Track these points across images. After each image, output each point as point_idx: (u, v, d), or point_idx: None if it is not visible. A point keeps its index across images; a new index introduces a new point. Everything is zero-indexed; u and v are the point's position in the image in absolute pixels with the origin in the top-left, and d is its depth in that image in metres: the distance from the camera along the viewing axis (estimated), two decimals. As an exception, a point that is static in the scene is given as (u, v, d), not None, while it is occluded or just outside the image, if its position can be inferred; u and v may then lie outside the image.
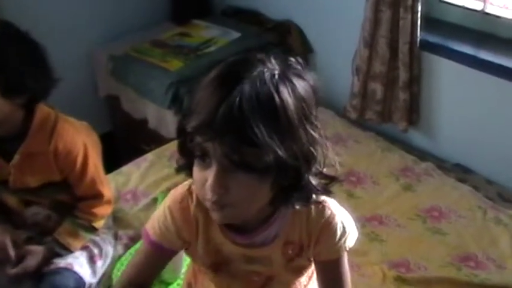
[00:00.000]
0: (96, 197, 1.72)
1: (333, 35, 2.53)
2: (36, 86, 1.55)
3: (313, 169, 1.04)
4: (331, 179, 1.09)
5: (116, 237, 1.88)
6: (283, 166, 0.96)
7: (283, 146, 0.94)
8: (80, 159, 1.65)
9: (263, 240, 1.18)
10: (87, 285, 1.68)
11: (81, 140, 1.66)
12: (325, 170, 1.07)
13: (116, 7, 2.87)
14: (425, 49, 2.21)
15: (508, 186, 2.16)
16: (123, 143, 2.92)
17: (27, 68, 1.53)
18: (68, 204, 1.73)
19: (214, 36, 2.70)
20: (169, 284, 1.75)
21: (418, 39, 2.17)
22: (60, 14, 2.67)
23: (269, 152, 0.93)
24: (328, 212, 1.16)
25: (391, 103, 2.33)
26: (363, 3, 2.21)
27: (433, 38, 2.21)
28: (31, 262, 1.65)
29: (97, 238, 1.78)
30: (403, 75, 2.22)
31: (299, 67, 1.03)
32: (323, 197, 1.15)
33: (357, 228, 1.22)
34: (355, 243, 1.21)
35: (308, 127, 0.99)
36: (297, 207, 1.09)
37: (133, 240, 1.90)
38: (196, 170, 1.02)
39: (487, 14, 2.19)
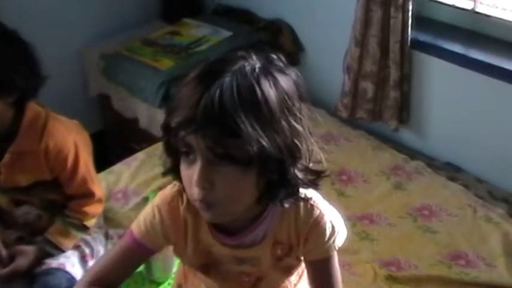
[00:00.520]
0: (87, 196, 1.72)
1: (324, 34, 2.54)
2: (25, 84, 1.55)
3: (299, 164, 1.04)
4: (318, 174, 1.09)
5: (107, 236, 1.87)
6: (266, 157, 0.96)
7: (266, 137, 0.95)
8: (70, 158, 1.64)
9: (252, 241, 1.18)
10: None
11: (71, 139, 1.65)
12: (311, 165, 1.07)
13: (106, 6, 2.86)
14: (415, 48, 2.22)
15: (498, 184, 2.17)
16: (114, 142, 2.91)
17: (17, 66, 1.52)
18: (59, 204, 1.72)
19: (205, 35, 2.70)
20: (160, 283, 1.74)
21: (409, 38, 2.17)
22: (50, 13, 2.65)
23: (252, 143, 0.93)
24: (317, 212, 1.16)
25: (382, 102, 2.34)
26: (354, 2, 2.21)
27: (423, 37, 2.22)
28: (22, 262, 1.64)
29: (88, 238, 1.77)
30: (393, 74, 2.23)
31: (281, 63, 1.03)
32: (312, 197, 1.16)
33: (348, 227, 1.22)
34: (346, 242, 1.21)
35: (291, 119, 1.00)
36: (286, 205, 1.09)
37: (124, 239, 1.89)
38: (183, 168, 1.02)
39: (477, 13, 2.20)
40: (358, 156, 2.26)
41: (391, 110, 2.30)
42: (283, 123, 0.98)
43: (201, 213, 1.07)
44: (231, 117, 0.92)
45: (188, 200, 1.12)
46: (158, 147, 2.28)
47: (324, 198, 1.18)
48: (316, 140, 1.07)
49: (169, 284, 1.73)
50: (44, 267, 1.65)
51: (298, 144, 1.02)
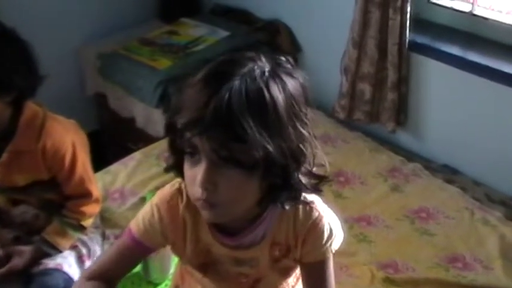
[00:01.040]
0: (85, 195, 1.71)
1: (322, 34, 2.53)
2: (24, 84, 1.54)
3: (303, 168, 1.05)
4: (321, 179, 1.09)
5: (104, 236, 1.86)
6: (271, 162, 0.96)
7: (272, 142, 0.95)
8: (68, 158, 1.63)
9: (251, 242, 1.18)
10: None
11: (69, 139, 1.65)
12: (314, 169, 1.07)
13: (104, 5, 2.85)
14: (413, 50, 2.22)
15: (495, 187, 2.17)
16: (110, 141, 2.90)
17: (15, 66, 1.52)
18: (56, 203, 1.71)
19: (203, 34, 2.69)
20: (157, 284, 1.74)
21: (407, 40, 2.17)
22: (47, 12, 2.64)
23: (258, 148, 0.93)
24: (315, 214, 1.16)
25: (379, 103, 2.34)
26: (352, 3, 2.21)
27: (421, 39, 2.22)
28: (17, 262, 1.64)
29: (85, 238, 1.76)
30: (391, 75, 2.23)
31: (289, 65, 1.03)
32: (311, 199, 1.16)
33: (345, 229, 1.22)
34: (343, 244, 1.22)
35: (298, 124, 1.00)
36: (287, 207, 1.09)
37: (121, 239, 1.88)
38: (186, 167, 1.03)
39: (475, 15, 2.20)
40: (355, 158, 2.26)
41: (389, 111, 2.31)
42: (290, 129, 0.98)
43: (201, 213, 1.07)
44: (238, 122, 0.91)
45: (188, 199, 1.13)
46: (155, 147, 2.31)
47: (321, 199, 1.18)
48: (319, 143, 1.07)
49: (166, 285, 1.72)
50: (41, 267, 1.64)
51: (303, 149, 1.02)
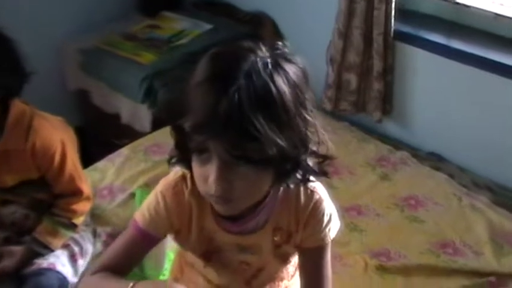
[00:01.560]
0: (75, 193, 1.70)
1: (306, 26, 2.53)
2: (10, 82, 1.52)
3: (310, 152, 1.06)
4: (325, 158, 1.10)
5: (95, 234, 1.85)
6: (284, 155, 0.97)
7: (283, 137, 0.96)
8: (57, 156, 1.62)
9: (254, 227, 1.19)
10: (70, 285, 1.65)
11: (58, 137, 1.63)
12: (318, 148, 1.08)
13: (83, 0, 2.81)
14: (398, 39, 2.23)
15: (481, 173, 2.20)
16: (94, 137, 2.86)
17: (1, 64, 1.49)
18: (46, 203, 1.70)
19: (186, 28, 2.67)
20: (151, 280, 1.73)
21: (392, 30, 2.18)
22: (26, 9, 2.59)
23: (270, 145, 0.94)
24: (316, 196, 1.19)
25: (365, 93, 2.35)
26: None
27: (406, 29, 2.24)
28: (8, 263, 1.62)
29: (76, 236, 1.75)
30: (377, 65, 2.24)
31: (286, 50, 1.03)
32: (313, 184, 1.18)
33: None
34: (337, 234, 1.24)
35: (303, 112, 1.01)
36: (291, 186, 1.11)
37: (112, 237, 1.86)
38: (196, 165, 1.03)
39: (458, 3, 2.22)
40: (343, 148, 2.27)
41: (375, 101, 2.32)
42: (298, 119, 0.99)
43: (215, 207, 1.09)
44: (250, 121, 0.91)
45: (192, 185, 1.13)
46: (142, 143, 2.30)
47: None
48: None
49: (163, 275, 1.71)
50: (34, 267, 1.62)
51: (310, 135, 1.03)
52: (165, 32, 2.65)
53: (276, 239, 1.22)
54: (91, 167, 2.15)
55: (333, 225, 1.23)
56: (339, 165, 2.19)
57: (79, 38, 2.74)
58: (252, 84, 0.93)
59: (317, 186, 1.19)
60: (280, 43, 1.04)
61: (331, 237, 1.24)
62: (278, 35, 2.63)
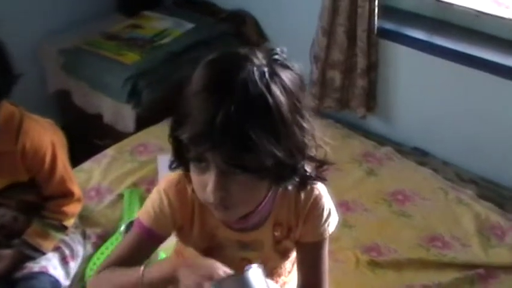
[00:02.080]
0: (66, 195, 1.68)
1: (289, 23, 2.54)
2: (-1, 83, 1.49)
3: (307, 158, 1.07)
4: (323, 163, 1.12)
5: (85, 236, 1.83)
6: (281, 164, 0.99)
7: (281, 147, 0.96)
8: (48, 158, 1.60)
9: (256, 223, 1.20)
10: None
11: (48, 138, 1.61)
12: (315, 154, 1.09)
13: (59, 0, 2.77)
14: (382, 36, 2.26)
15: (464, 167, 2.24)
16: (75, 138, 2.81)
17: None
18: (35, 205, 1.67)
19: (168, 27, 2.65)
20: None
21: (376, 27, 2.21)
22: (3, 9, 2.55)
23: (268, 155, 0.95)
24: (316, 192, 1.21)
25: (349, 90, 2.37)
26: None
27: (389, 26, 2.26)
28: None
29: (67, 238, 1.73)
30: (361, 62, 2.26)
31: (283, 55, 1.03)
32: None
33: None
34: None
35: (300, 121, 1.02)
36: (289, 188, 1.12)
37: (103, 238, 1.85)
38: (194, 174, 1.04)
39: (440, 1, 2.25)
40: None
41: (359, 98, 2.34)
42: (295, 127, 1.00)
43: (214, 213, 1.09)
44: (246, 134, 0.92)
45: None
46: (127, 143, 2.28)
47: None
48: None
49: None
50: (25, 271, 1.60)
51: (307, 142, 1.04)
52: (147, 32, 2.63)
53: (276, 234, 1.23)
54: (77, 168, 2.12)
55: (332, 220, 1.26)
56: (325, 162, 2.20)
57: (57, 38, 2.70)
58: (249, 95, 0.94)
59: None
60: (277, 48, 1.04)
61: (330, 232, 1.26)
62: (260, 33, 2.63)
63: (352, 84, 2.34)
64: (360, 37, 2.21)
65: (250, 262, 1.27)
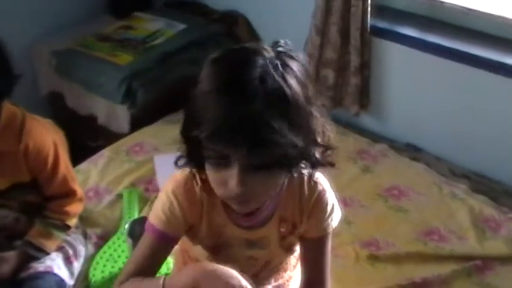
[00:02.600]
0: (69, 194, 1.69)
1: (281, 23, 2.56)
2: (0, 84, 1.49)
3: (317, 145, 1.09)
4: (328, 148, 1.12)
5: (85, 236, 1.83)
6: (299, 154, 1.01)
7: (300, 136, 0.98)
8: (50, 158, 1.61)
9: (262, 220, 1.22)
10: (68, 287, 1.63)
11: (50, 138, 1.62)
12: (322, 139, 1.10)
13: (51, 2, 2.76)
14: (375, 34, 2.28)
15: (457, 162, 2.28)
16: (68, 140, 2.82)
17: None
18: (37, 206, 1.67)
19: (160, 28, 2.66)
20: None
21: (369, 25, 2.24)
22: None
23: (290, 146, 0.97)
24: (320, 187, 1.23)
25: (343, 88, 2.39)
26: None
27: (382, 24, 2.29)
28: (4, 269, 1.60)
29: (69, 238, 1.73)
30: (354, 60, 2.29)
31: (287, 47, 1.05)
32: (316, 175, 1.21)
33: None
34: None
35: (312, 109, 1.04)
36: (295, 174, 1.13)
37: (103, 238, 1.86)
38: (211, 171, 1.04)
39: (432, -1, 2.30)
40: (323, 142, 2.30)
41: (352, 95, 2.37)
42: (309, 116, 1.02)
43: (233, 206, 1.10)
44: (270, 127, 0.93)
45: (203, 181, 1.14)
46: (123, 144, 2.28)
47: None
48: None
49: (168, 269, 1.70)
50: (31, 271, 1.60)
51: (317, 129, 1.06)
52: (139, 33, 2.63)
53: (282, 230, 1.25)
54: (74, 169, 2.12)
55: (335, 215, 1.28)
56: (321, 159, 2.23)
57: (49, 40, 2.70)
58: (268, 89, 0.95)
59: (319, 177, 1.23)
60: (281, 41, 1.05)
61: (333, 227, 1.28)
62: (252, 33, 2.65)
63: (346, 82, 2.37)
64: (353, 35, 2.24)
65: (256, 260, 1.30)
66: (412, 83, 2.34)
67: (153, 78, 2.41)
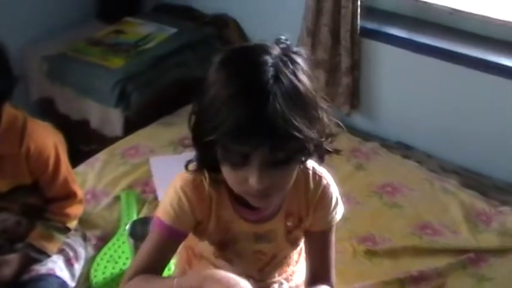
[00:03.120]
0: (69, 196, 1.70)
1: (270, 25, 2.58)
2: (1, 86, 1.50)
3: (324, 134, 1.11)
4: (331, 136, 1.15)
5: (85, 238, 1.84)
6: (316, 146, 1.05)
7: (315, 129, 1.02)
8: (51, 160, 1.62)
9: (270, 214, 1.24)
10: (69, 289, 1.64)
11: (51, 141, 1.63)
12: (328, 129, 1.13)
13: (40, 7, 2.77)
14: (364, 35, 2.33)
15: (447, 159, 2.33)
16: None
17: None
18: (38, 208, 1.68)
19: (151, 32, 2.68)
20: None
21: (358, 27, 2.28)
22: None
23: (309, 141, 1.00)
24: (324, 182, 1.26)
25: (334, 88, 2.43)
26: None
27: (371, 25, 2.34)
28: (6, 272, 1.60)
29: (69, 240, 1.74)
30: (345, 61, 2.33)
31: (288, 43, 1.08)
32: (320, 169, 1.25)
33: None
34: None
35: (318, 100, 1.06)
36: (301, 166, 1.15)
37: (103, 240, 1.87)
38: (228, 171, 1.06)
39: (418, 0, 2.35)
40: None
41: (343, 95, 2.41)
42: (319, 109, 1.05)
43: (251, 202, 1.12)
44: (291, 124, 0.96)
45: (211, 177, 1.17)
46: (118, 147, 2.30)
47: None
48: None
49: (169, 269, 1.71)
50: (33, 273, 1.61)
51: (326, 120, 1.09)
52: (131, 37, 2.65)
53: (288, 224, 1.27)
54: (71, 172, 2.13)
55: (339, 209, 1.31)
56: (314, 158, 2.27)
57: (39, 45, 2.71)
58: (283, 87, 0.97)
59: (323, 172, 1.27)
60: (282, 37, 1.08)
61: (337, 220, 1.32)
62: (242, 36, 2.68)
63: (337, 82, 2.40)
64: (344, 37, 2.28)
65: (264, 254, 1.32)
66: (401, 82, 2.39)
67: (147, 81, 2.43)
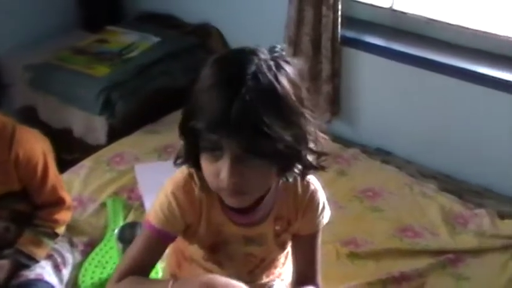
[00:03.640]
0: (58, 203, 1.72)
1: (253, 35, 2.62)
2: (-10, 95, 1.52)
3: (309, 148, 1.14)
4: (321, 154, 1.19)
5: (72, 244, 1.85)
6: (289, 150, 1.06)
7: (289, 132, 1.04)
8: (40, 167, 1.64)
9: (260, 218, 1.27)
10: (57, 295, 1.66)
11: (40, 147, 1.65)
12: (315, 147, 1.16)
13: (22, 16, 2.78)
14: (344, 44, 2.39)
15: (425, 164, 2.39)
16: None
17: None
18: (27, 215, 1.69)
19: (134, 41, 2.71)
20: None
21: (339, 36, 2.34)
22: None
23: (279, 140, 1.03)
24: (312, 187, 1.30)
25: (315, 96, 2.48)
26: (282, 4, 2.35)
27: (350, 34, 2.40)
28: None
29: (57, 246, 1.75)
30: (326, 69, 2.38)
31: (282, 52, 1.11)
32: (308, 176, 1.26)
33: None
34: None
35: (304, 110, 1.09)
36: (290, 179, 1.19)
37: (90, 245, 1.89)
38: (206, 163, 1.10)
39: (394, 10, 2.42)
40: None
41: (324, 103, 2.46)
42: (300, 115, 1.08)
43: (226, 201, 1.16)
44: (261, 120, 1.00)
45: (201, 182, 1.19)
46: (103, 154, 2.32)
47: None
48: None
49: (156, 272, 1.74)
50: (22, 279, 1.62)
51: (309, 131, 1.12)
52: (114, 46, 2.68)
53: (277, 228, 1.31)
54: (58, 179, 2.14)
55: (326, 213, 1.36)
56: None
57: (22, 54, 2.71)
58: (260, 85, 1.01)
59: (311, 178, 1.30)
60: (278, 46, 1.12)
61: (324, 224, 1.36)
62: (226, 44, 2.73)
63: (318, 90, 2.46)
64: (325, 45, 2.34)
65: (255, 257, 1.35)
66: (380, 90, 2.45)
67: (131, 89, 2.46)
